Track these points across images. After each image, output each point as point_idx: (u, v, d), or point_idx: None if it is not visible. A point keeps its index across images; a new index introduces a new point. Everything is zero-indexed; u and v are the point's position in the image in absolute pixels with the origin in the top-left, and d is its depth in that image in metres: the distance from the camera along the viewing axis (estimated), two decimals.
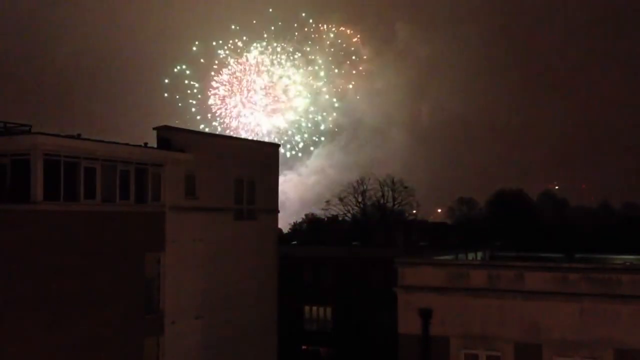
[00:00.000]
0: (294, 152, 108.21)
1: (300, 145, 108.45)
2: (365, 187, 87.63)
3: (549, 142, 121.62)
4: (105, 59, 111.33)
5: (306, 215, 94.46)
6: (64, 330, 23.32)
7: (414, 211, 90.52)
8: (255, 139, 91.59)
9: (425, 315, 19.90)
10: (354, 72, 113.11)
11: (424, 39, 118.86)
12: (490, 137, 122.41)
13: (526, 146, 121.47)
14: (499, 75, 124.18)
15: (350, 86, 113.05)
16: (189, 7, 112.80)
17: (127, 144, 27.01)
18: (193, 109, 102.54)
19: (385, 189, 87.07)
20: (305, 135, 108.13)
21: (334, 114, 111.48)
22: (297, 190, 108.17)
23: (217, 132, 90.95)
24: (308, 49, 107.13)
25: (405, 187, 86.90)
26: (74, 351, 23.65)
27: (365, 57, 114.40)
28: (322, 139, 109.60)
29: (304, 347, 49.16)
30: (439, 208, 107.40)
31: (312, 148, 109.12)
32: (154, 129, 29.06)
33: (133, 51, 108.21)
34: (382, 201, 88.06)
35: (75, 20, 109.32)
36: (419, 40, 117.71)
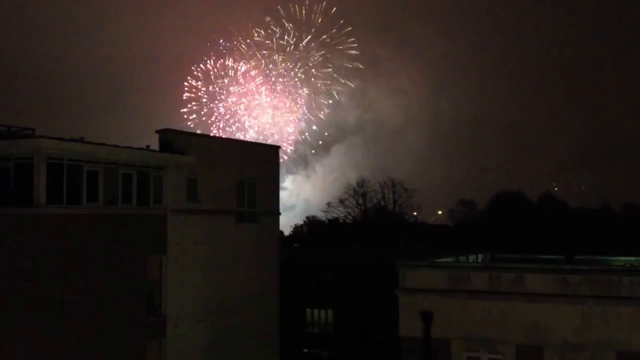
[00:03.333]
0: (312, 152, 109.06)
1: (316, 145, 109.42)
2: (365, 189, 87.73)
3: (549, 143, 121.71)
4: (107, 62, 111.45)
5: (307, 217, 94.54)
6: (67, 333, 23.39)
7: (415, 213, 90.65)
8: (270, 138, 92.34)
9: (427, 317, 19.97)
10: (371, 72, 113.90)
11: (441, 39, 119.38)
12: (491, 139, 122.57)
13: (526, 148, 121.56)
14: (502, 78, 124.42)
15: (368, 86, 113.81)
16: (194, 9, 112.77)
17: (129, 147, 27.06)
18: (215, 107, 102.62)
19: (386, 191, 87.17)
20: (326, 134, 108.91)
21: (354, 114, 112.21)
22: (309, 190, 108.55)
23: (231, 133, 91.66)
24: (324, 52, 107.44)
25: (406, 189, 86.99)
26: (76, 354, 23.69)
27: (383, 56, 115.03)
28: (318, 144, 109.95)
29: (305, 350, 49.15)
30: (440, 210, 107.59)
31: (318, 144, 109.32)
32: (156, 132, 29.13)
33: (134, 53, 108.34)
34: (382, 203, 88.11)
35: (76, 23, 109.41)
36: (437, 40, 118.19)
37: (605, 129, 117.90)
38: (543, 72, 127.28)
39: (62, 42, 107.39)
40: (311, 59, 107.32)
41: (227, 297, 30.83)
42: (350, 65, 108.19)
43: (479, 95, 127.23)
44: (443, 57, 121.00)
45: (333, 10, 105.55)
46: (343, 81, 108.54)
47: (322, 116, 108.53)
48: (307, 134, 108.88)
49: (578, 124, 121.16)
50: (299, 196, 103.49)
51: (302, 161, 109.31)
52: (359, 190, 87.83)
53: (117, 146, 26.45)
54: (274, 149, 37.55)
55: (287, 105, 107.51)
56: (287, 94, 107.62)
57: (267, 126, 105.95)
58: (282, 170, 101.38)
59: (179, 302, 28.23)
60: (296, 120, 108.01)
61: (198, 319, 29.22)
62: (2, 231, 21.98)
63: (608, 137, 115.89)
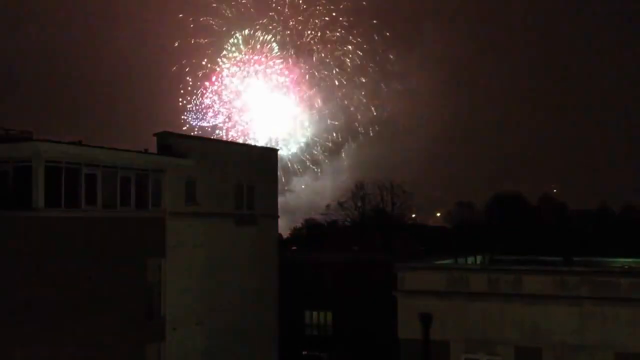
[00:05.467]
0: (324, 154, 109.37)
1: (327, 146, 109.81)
2: (364, 191, 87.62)
3: (548, 145, 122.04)
4: (107, 64, 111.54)
5: (306, 220, 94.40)
6: (65, 337, 23.37)
7: (413, 215, 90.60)
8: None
9: (426, 319, 19.98)
10: (381, 73, 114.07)
11: (450, 41, 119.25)
12: (490, 141, 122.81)
13: (525, 149, 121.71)
14: (502, 79, 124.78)
15: (378, 87, 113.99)
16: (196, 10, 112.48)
17: (128, 150, 27.09)
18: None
19: (384, 193, 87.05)
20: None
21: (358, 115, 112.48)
22: (317, 193, 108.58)
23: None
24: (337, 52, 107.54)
25: (404, 191, 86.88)
26: (75, 356, 23.68)
27: (392, 58, 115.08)
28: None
29: (304, 352, 49.15)
30: (438, 212, 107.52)
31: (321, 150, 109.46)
32: (154, 134, 29.16)
33: (134, 55, 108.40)
34: (381, 205, 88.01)
35: (75, 25, 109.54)
36: (446, 41, 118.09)
37: (604, 131, 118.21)
38: (544, 73, 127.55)
39: (62, 43, 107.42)
40: (323, 59, 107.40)
41: (225, 299, 30.81)
42: (360, 63, 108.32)
43: (479, 97, 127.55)
44: (450, 59, 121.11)
45: (344, 15, 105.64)
46: (355, 81, 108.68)
47: (332, 119, 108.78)
48: (316, 136, 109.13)
49: (577, 125, 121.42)
50: (306, 199, 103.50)
51: (311, 163, 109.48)
52: (358, 193, 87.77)
53: (115, 149, 26.45)
54: (273, 152, 37.59)
55: (297, 107, 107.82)
56: (296, 96, 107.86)
57: (276, 127, 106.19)
58: (289, 173, 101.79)
59: (177, 304, 28.21)
60: (305, 122, 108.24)
61: (197, 322, 29.20)
62: (1, 234, 21.99)
63: (607, 139, 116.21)
